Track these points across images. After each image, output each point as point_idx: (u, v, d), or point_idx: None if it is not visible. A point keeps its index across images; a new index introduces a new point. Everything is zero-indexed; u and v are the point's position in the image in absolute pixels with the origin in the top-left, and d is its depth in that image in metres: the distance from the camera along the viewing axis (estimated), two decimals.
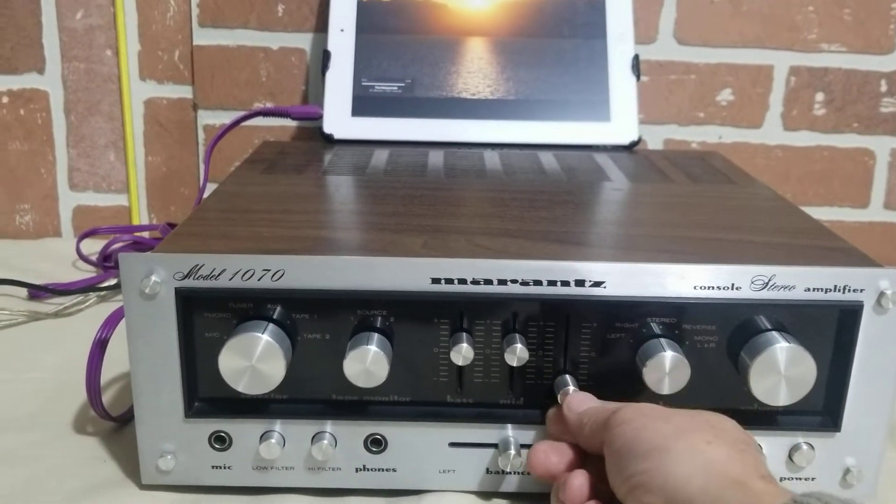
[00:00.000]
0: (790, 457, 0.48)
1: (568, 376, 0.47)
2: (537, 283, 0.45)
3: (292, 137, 0.91)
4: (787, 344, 0.44)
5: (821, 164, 0.93)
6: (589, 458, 0.44)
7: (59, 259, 0.86)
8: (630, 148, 0.80)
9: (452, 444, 0.48)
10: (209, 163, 0.78)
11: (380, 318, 0.47)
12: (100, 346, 0.51)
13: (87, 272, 0.83)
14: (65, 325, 0.72)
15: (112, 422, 0.55)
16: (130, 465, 0.49)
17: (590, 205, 0.60)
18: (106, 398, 0.59)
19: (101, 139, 0.92)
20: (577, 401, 0.45)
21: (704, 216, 0.57)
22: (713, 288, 0.45)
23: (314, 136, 0.86)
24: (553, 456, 0.45)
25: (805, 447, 0.48)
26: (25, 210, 0.93)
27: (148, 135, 0.92)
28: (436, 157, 0.72)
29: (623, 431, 0.40)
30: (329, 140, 0.78)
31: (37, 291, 0.76)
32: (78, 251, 0.83)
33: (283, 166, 0.68)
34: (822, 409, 0.48)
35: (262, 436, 0.48)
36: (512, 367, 0.47)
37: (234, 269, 0.45)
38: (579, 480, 0.42)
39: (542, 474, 0.45)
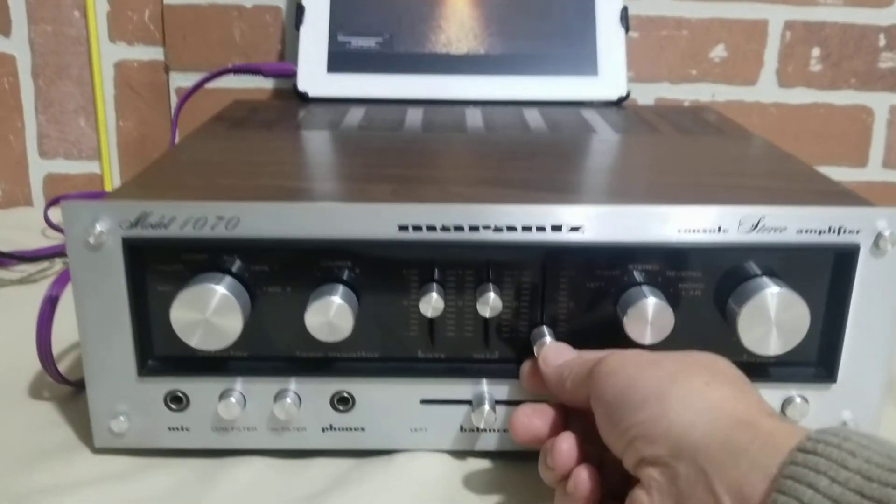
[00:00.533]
0: (783, 410, 0.45)
1: (545, 328, 0.44)
2: (511, 228, 0.42)
3: (268, 99, 0.87)
4: (778, 289, 0.42)
5: (817, 122, 0.90)
6: (573, 416, 0.42)
7: (28, 228, 0.83)
8: (619, 104, 0.76)
9: (424, 402, 0.46)
10: (177, 123, 0.75)
11: (344, 270, 0.44)
12: (50, 304, 0.48)
13: (56, 240, 0.80)
14: (29, 291, 0.69)
15: (69, 386, 0.52)
16: (85, 429, 0.47)
17: (573, 155, 0.57)
18: (66, 362, 0.57)
19: (71, 104, 0.89)
20: (554, 353, 0.43)
21: (692, 164, 0.54)
22: (699, 231, 0.42)
23: (290, 97, 0.83)
24: (536, 419, 0.42)
25: (798, 400, 0.45)
26: None
27: (119, 99, 0.89)
28: (414, 115, 0.69)
29: (613, 383, 0.37)
30: (303, 98, 0.75)
31: (2, 259, 0.72)
32: (46, 219, 0.80)
33: (252, 122, 0.65)
34: (816, 360, 0.45)
35: (220, 395, 0.45)
36: (486, 319, 0.44)
37: (185, 217, 0.42)
38: (567, 443, 0.39)
39: (526, 440, 0.42)
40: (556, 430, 0.41)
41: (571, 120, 0.68)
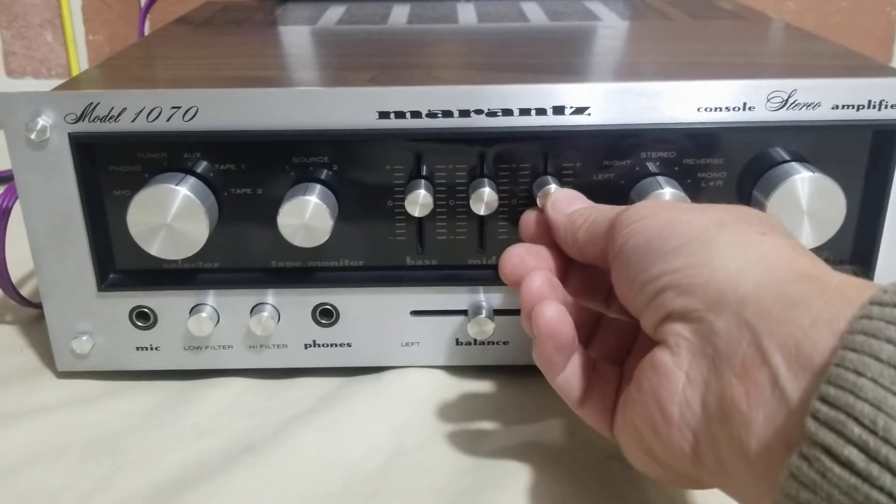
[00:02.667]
0: None
1: (550, 177, 0.38)
2: (507, 112, 0.37)
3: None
4: (810, 173, 0.37)
5: (837, 16, 0.83)
6: (575, 266, 0.35)
7: None
8: None
9: (415, 313, 0.41)
10: (144, 28, 0.69)
11: (320, 166, 0.39)
12: (2, 217, 0.43)
13: None
14: None
15: (32, 308, 0.48)
16: (49, 353, 0.43)
17: (576, 41, 0.51)
18: (30, 285, 0.52)
19: (36, 17, 0.82)
20: (566, 199, 0.35)
21: (711, 45, 0.48)
22: (721, 109, 0.37)
23: None
24: (530, 259, 0.34)
25: None
26: None
27: (87, 10, 0.82)
28: (400, 10, 0.63)
29: (643, 227, 0.29)
30: None
31: None
32: None
33: (221, 21, 0.59)
34: (851, 257, 0.41)
35: (191, 310, 0.41)
36: (481, 218, 0.39)
37: (137, 108, 0.37)
38: (539, 279, 0.33)
39: (515, 283, 0.34)
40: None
41: (574, 10, 0.62)
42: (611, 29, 0.54)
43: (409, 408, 0.40)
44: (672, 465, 0.28)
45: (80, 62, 0.84)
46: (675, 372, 0.27)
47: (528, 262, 0.34)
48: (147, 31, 0.72)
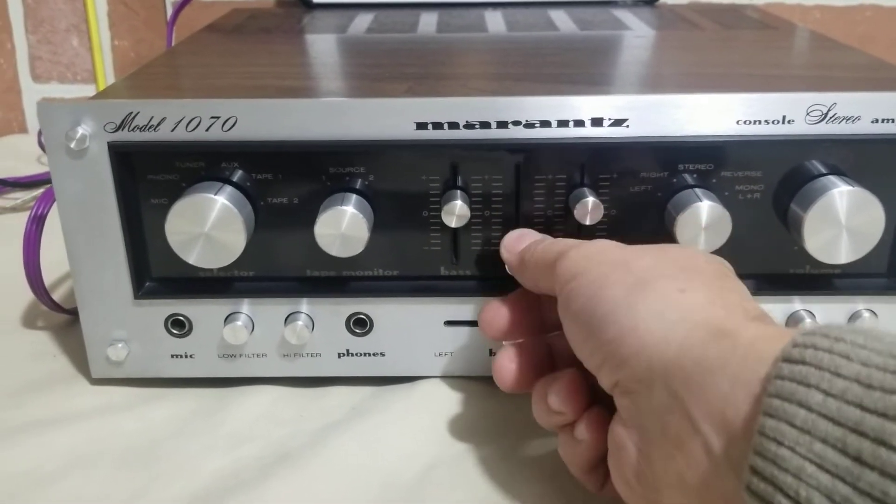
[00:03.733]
0: None
1: (586, 189, 0.38)
2: (545, 124, 0.37)
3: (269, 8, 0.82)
4: (850, 187, 0.36)
5: (864, 25, 0.83)
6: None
7: (23, 156, 0.79)
8: (652, 2, 0.70)
9: (448, 323, 0.41)
10: (173, 36, 0.69)
11: (357, 177, 0.39)
12: (36, 224, 0.44)
13: None
14: (22, 219, 0.64)
15: (64, 314, 0.48)
16: (83, 360, 0.43)
17: (607, 51, 0.51)
18: (63, 289, 0.53)
19: (62, 22, 0.83)
20: (515, 238, 0.38)
21: (744, 56, 0.48)
22: (761, 122, 0.37)
23: (293, 5, 0.77)
24: (506, 311, 0.38)
25: (867, 315, 0.40)
26: None
27: (113, 16, 0.83)
28: (428, 18, 0.64)
29: (577, 289, 0.31)
30: (308, 4, 0.69)
31: None
32: (40, 143, 0.76)
33: (251, 28, 0.60)
34: (888, 270, 0.40)
35: (226, 318, 0.41)
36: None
37: (177, 118, 0.37)
38: (504, 309, 0.36)
39: (495, 337, 0.38)
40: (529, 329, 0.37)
41: (602, 19, 0.62)
42: (641, 38, 0.54)
43: (442, 418, 0.40)
44: None
45: (105, 67, 0.84)
46: (628, 445, 0.29)
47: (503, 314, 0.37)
48: (173, 38, 0.72)
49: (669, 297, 0.29)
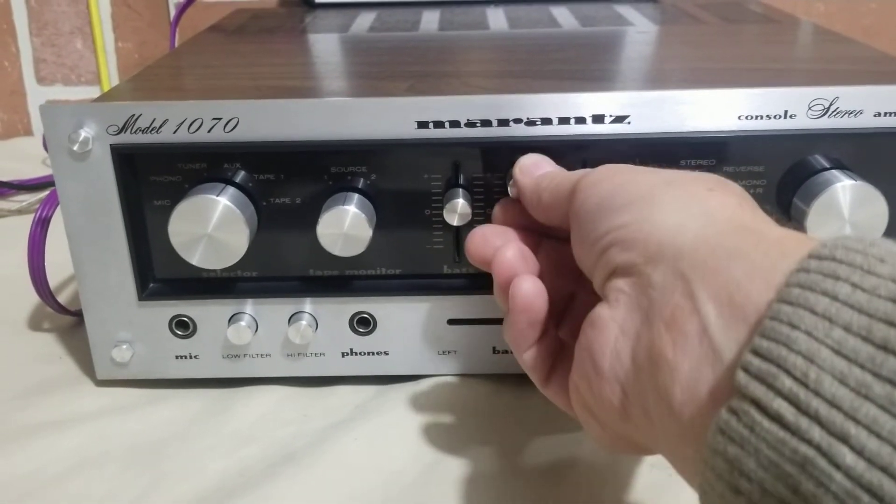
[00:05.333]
0: None
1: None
2: (546, 121, 0.37)
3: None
4: (853, 181, 0.36)
5: (868, 18, 0.82)
6: (544, 245, 0.36)
7: (28, 158, 0.79)
8: None
9: (452, 321, 0.41)
10: (176, 36, 0.69)
11: (358, 176, 0.39)
12: (40, 226, 0.44)
13: None
14: (27, 221, 0.65)
15: (70, 315, 0.48)
16: (88, 361, 0.43)
17: (610, 47, 0.51)
18: (69, 291, 0.53)
19: (66, 25, 0.83)
20: (533, 162, 0.36)
21: (746, 50, 0.48)
22: (762, 117, 0.37)
23: (295, 5, 0.77)
24: (496, 238, 0.35)
25: None
26: None
27: (116, 18, 0.83)
28: (430, 16, 0.63)
29: (597, 191, 0.29)
30: (310, 4, 0.69)
31: (0, 188, 0.69)
32: (45, 146, 0.76)
33: (254, 29, 0.60)
34: None
35: (230, 319, 0.41)
36: None
37: (179, 119, 0.37)
38: (512, 251, 0.33)
39: (481, 262, 0.35)
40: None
41: (604, 15, 0.62)
42: (644, 34, 0.54)
43: (446, 417, 0.40)
44: (607, 423, 0.28)
45: (109, 69, 0.84)
46: (609, 324, 0.27)
47: (493, 241, 0.34)
48: (177, 39, 0.72)
49: (696, 193, 0.27)
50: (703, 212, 0.26)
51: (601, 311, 0.27)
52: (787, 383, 0.19)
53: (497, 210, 0.37)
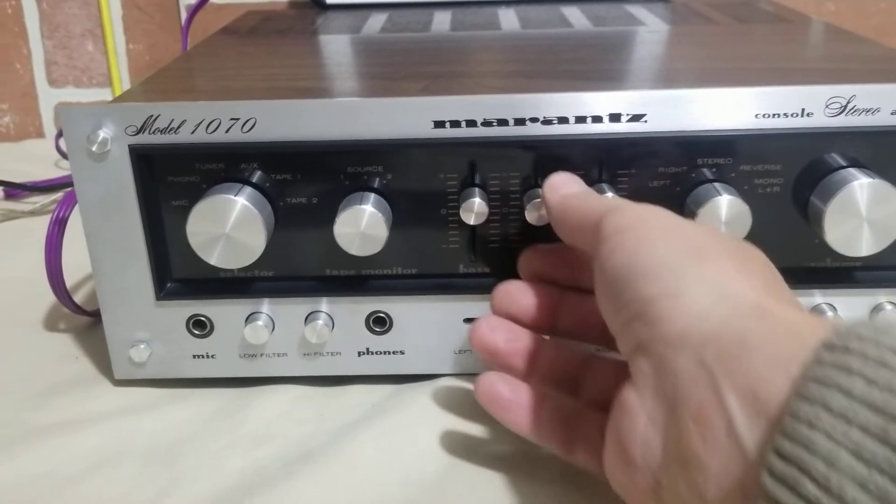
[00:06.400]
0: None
1: (605, 185, 0.38)
2: (562, 120, 0.37)
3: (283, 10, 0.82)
4: (870, 179, 0.36)
5: (878, 17, 0.82)
6: (568, 300, 0.36)
7: (40, 160, 0.79)
8: None
9: (468, 321, 0.41)
10: (188, 38, 0.70)
11: (375, 175, 0.39)
12: (57, 226, 0.44)
13: (68, 171, 0.76)
14: (41, 222, 0.64)
15: (86, 316, 0.49)
16: (105, 361, 0.43)
17: (622, 46, 0.51)
18: (84, 291, 0.53)
19: (77, 27, 0.84)
20: (562, 181, 0.36)
21: (760, 49, 0.48)
22: (779, 116, 0.37)
23: (306, 7, 0.77)
24: (501, 333, 0.36)
25: (889, 307, 0.40)
26: (4, 111, 0.86)
27: (127, 20, 0.83)
28: (441, 17, 0.64)
29: (623, 242, 0.29)
30: (321, 5, 0.69)
31: (13, 190, 0.69)
32: (58, 148, 0.76)
33: (266, 30, 0.60)
34: None
35: (247, 318, 0.41)
36: (534, 227, 0.39)
37: (197, 120, 0.37)
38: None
39: (483, 351, 0.36)
40: (526, 355, 0.36)
41: (616, 14, 0.62)
42: (656, 33, 0.54)
43: (462, 416, 0.40)
44: (642, 501, 0.28)
45: (120, 71, 0.85)
46: (638, 411, 0.27)
47: (498, 335, 0.36)
48: (188, 41, 0.72)
49: (724, 272, 0.27)
50: (729, 294, 0.26)
51: (629, 396, 0.27)
52: (810, 489, 0.20)
53: (522, 261, 0.38)
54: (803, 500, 0.20)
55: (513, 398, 0.34)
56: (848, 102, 0.37)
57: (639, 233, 0.29)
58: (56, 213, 0.44)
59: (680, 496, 0.25)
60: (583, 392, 0.35)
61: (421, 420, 0.40)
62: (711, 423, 0.24)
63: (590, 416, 0.33)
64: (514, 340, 0.36)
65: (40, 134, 0.87)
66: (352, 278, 0.41)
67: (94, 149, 0.37)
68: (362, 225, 0.38)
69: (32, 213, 0.67)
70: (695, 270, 0.27)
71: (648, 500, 0.27)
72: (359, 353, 0.42)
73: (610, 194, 0.37)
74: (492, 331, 0.36)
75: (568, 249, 0.36)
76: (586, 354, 0.35)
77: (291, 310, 0.41)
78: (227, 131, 0.37)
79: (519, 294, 0.37)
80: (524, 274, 0.38)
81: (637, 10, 0.64)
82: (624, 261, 0.29)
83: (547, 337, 0.37)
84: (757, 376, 0.23)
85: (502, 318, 0.37)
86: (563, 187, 0.35)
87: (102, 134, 0.37)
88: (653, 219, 0.30)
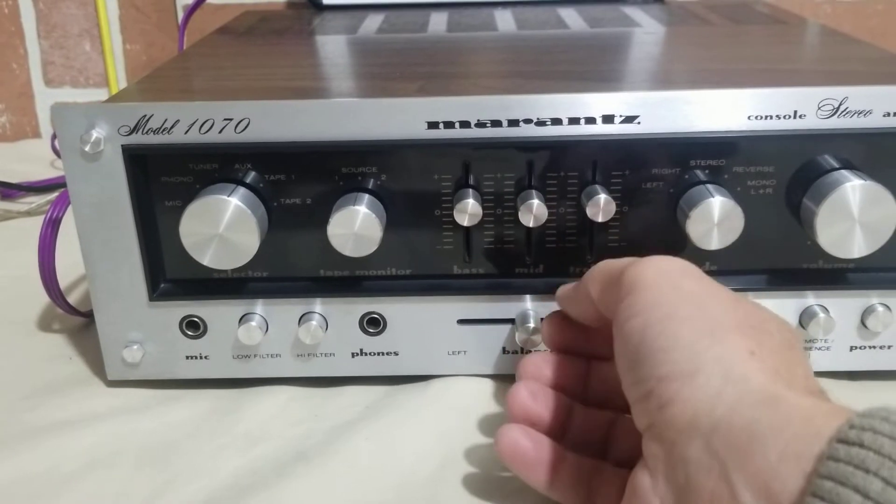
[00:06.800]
0: (863, 322, 0.41)
1: (598, 186, 0.38)
2: (556, 121, 0.37)
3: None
4: (862, 181, 0.36)
5: (875, 19, 0.82)
6: (596, 369, 0.36)
7: (37, 160, 0.79)
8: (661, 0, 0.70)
9: (462, 322, 0.41)
10: (184, 38, 0.70)
11: (369, 176, 0.39)
12: (51, 226, 0.44)
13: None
14: (36, 222, 0.64)
15: (79, 316, 0.49)
16: (98, 362, 0.43)
17: (618, 48, 0.51)
18: (78, 293, 0.53)
19: (74, 27, 0.84)
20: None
21: (755, 51, 0.48)
22: (772, 117, 0.37)
23: (303, 7, 0.77)
24: (537, 400, 0.35)
25: (881, 309, 0.40)
26: (0, 111, 0.86)
27: (124, 20, 0.83)
28: (438, 18, 0.64)
29: (639, 304, 0.29)
30: (318, 6, 0.69)
31: (8, 190, 0.69)
32: (54, 149, 0.76)
33: (263, 31, 0.60)
34: None
35: (240, 319, 0.41)
36: (528, 229, 0.39)
37: (190, 120, 0.37)
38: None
39: (522, 418, 0.35)
40: (557, 416, 0.35)
41: (612, 16, 0.62)
42: (652, 35, 0.54)
43: (456, 416, 0.40)
44: None
45: (117, 71, 0.85)
46: (650, 496, 0.27)
47: (536, 402, 0.35)
48: (185, 41, 0.72)
49: (738, 355, 0.27)
50: (742, 377, 0.26)
51: (642, 479, 0.27)
52: None
53: (548, 330, 0.37)
54: None
55: (536, 455, 0.33)
56: (840, 104, 0.37)
57: (655, 294, 0.29)
58: (49, 214, 0.44)
59: None
60: (610, 452, 0.35)
61: (414, 421, 0.40)
62: None
63: (611, 474, 0.33)
64: (548, 406, 0.35)
65: (36, 134, 0.87)
66: (346, 279, 0.41)
67: (87, 149, 0.37)
68: (356, 226, 0.38)
69: (28, 214, 0.67)
70: (711, 352, 0.27)
71: None
72: (352, 354, 0.42)
73: (602, 196, 0.37)
74: (533, 398, 0.35)
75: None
76: (615, 416, 0.35)
77: (285, 310, 0.41)
78: (220, 132, 0.37)
79: (548, 365, 0.36)
80: (550, 343, 0.38)
81: (633, 12, 0.64)
82: (640, 328, 0.28)
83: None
84: (770, 470, 0.23)
85: (539, 384, 0.36)
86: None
87: (95, 134, 0.37)
88: (674, 277, 0.30)
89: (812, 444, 0.22)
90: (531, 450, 0.33)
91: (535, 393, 0.35)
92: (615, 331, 0.30)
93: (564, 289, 0.37)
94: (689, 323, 0.28)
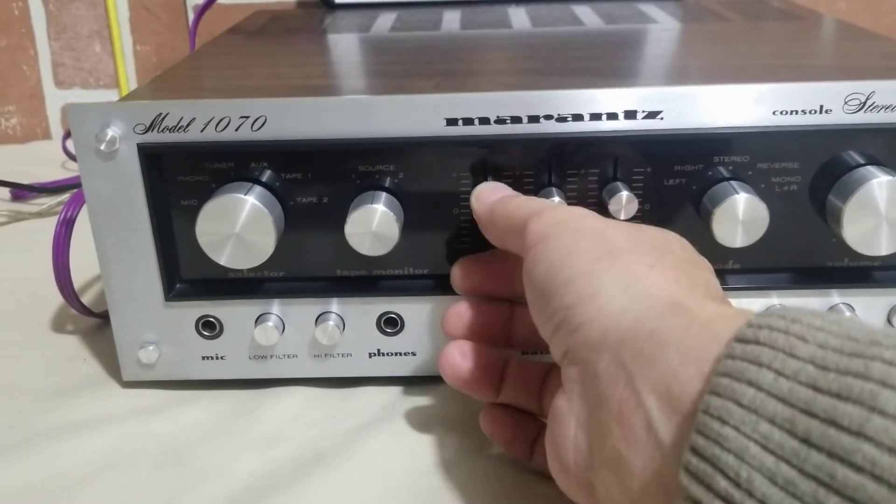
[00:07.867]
0: (889, 320, 0.40)
1: (620, 183, 0.38)
2: (577, 117, 0.37)
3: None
4: (889, 177, 0.36)
5: (891, 16, 0.81)
6: (518, 313, 0.37)
7: (48, 161, 0.79)
8: None
9: None
10: (195, 38, 0.69)
11: (386, 174, 0.39)
12: (65, 226, 0.44)
13: (76, 172, 0.76)
14: (48, 224, 0.64)
15: (94, 317, 0.48)
16: (113, 363, 0.43)
17: (635, 44, 0.51)
18: (92, 293, 0.53)
19: (85, 28, 0.83)
20: (489, 189, 0.36)
21: (775, 46, 0.48)
22: (797, 112, 0.36)
23: (315, 6, 0.77)
24: (468, 362, 0.36)
25: None
26: (10, 112, 0.86)
27: (134, 21, 0.83)
28: (451, 16, 0.63)
29: (543, 252, 0.30)
30: (330, 5, 0.69)
31: (20, 191, 0.69)
32: (65, 150, 0.76)
33: (275, 30, 0.59)
34: None
35: (257, 319, 0.41)
36: None
37: (206, 118, 0.37)
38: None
39: (455, 381, 0.36)
40: (489, 373, 0.36)
41: (627, 13, 0.61)
42: (669, 31, 0.53)
43: (474, 417, 0.40)
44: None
45: (128, 72, 0.84)
46: (568, 418, 0.27)
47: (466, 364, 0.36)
48: (196, 42, 0.72)
49: (636, 270, 0.28)
50: (643, 292, 0.27)
51: (560, 404, 0.28)
52: (722, 484, 0.20)
53: (457, 275, 0.38)
54: (717, 496, 0.20)
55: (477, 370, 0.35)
56: (867, 99, 0.36)
57: (558, 241, 0.30)
58: (63, 214, 0.44)
59: (610, 497, 0.25)
60: (544, 403, 0.35)
61: (432, 421, 0.39)
62: (631, 422, 0.24)
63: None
64: (481, 364, 0.36)
65: (47, 135, 0.87)
66: (363, 279, 0.41)
67: (102, 148, 0.37)
68: (374, 225, 0.37)
69: (39, 215, 0.67)
70: (610, 272, 0.28)
71: (587, 503, 0.27)
72: (370, 355, 0.42)
73: (624, 193, 0.37)
74: (464, 357, 0.36)
75: (500, 260, 0.37)
76: (547, 367, 0.36)
77: (302, 311, 0.41)
78: (236, 130, 0.37)
79: (469, 314, 0.37)
80: (461, 288, 0.38)
81: (649, 8, 0.63)
82: (545, 270, 0.29)
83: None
84: (671, 373, 0.23)
85: (470, 343, 0.36)
86: (490, 196, 0.36)
87: (111, 133, 0.37)
88: (573, 222, 0.31)
89: (711, 346, 0.23)
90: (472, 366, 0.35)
91: (466, 353, 0.36)
92: (524, 279, 0.31)
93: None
94: (589, 253, 0.29)
